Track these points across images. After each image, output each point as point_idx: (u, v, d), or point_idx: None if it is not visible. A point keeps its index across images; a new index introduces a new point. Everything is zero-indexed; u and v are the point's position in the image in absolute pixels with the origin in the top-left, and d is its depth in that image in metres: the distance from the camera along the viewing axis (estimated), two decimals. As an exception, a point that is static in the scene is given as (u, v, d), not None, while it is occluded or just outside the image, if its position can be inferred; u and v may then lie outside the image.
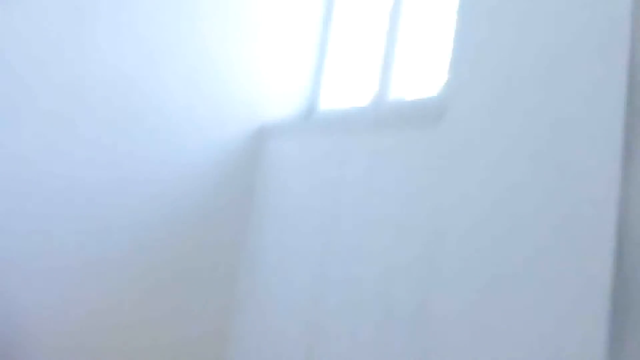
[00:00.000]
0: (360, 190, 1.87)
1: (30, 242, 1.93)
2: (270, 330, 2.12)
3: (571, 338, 1.04)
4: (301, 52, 2.52)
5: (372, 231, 1.78)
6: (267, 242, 2.23)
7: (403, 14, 2.22)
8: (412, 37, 2.19)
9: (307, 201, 2.09)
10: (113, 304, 2.00)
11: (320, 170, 2.08)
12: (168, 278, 2.09)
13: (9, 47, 1.98)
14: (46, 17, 2.03)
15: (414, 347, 1.52)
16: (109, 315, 1.99)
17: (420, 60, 2.13)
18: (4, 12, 1.98)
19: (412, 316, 1.56)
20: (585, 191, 1.09)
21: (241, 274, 2.28)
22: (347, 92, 2.47)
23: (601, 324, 0.97)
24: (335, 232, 1.95)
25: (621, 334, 0.96)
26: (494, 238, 1.30)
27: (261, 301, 2.20)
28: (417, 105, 1.72)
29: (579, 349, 1.01)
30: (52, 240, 1.95)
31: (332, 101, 2.50)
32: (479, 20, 1.64)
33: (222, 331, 2.17)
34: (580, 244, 1.06)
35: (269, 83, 2.40)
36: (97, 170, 2.02)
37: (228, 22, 2.32)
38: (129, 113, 2.08)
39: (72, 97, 2.03)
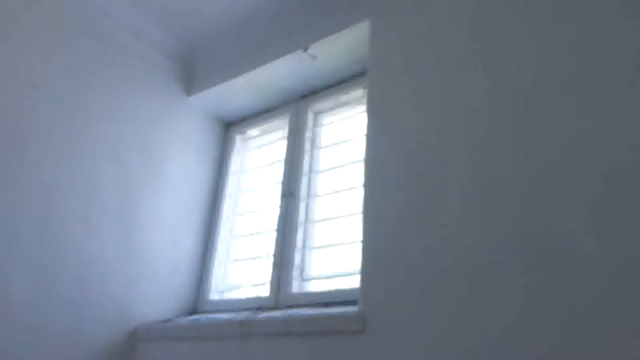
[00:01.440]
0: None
1: None
2: None
3: None
4: (182, 249, 2.31)
5: None
6: None
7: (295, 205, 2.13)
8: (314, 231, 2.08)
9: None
10: None
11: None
12: None
13: None
14: None
15: None
16: None
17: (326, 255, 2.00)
18: None
19: None
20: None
21: None
22: (241, 287, 2.25)
23: None
24: None
25: None
26: None
27: None
28: (337, 317, 1.53)
29: None
30: None
31: (221, 300, 2.25)
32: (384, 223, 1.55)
33: None
34: None
35: (145, 281, 2.13)
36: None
37: (113, 230, 2.07)
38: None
39: None
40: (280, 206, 2.17)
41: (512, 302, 1.22)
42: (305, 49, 2.12)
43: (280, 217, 2.15)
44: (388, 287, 1.44)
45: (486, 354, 1.21)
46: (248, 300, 2.10)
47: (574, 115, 1.30)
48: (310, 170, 2.20)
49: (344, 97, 2.24)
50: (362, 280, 1.52)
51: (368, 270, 1.52)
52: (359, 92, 2.18)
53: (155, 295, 2.14)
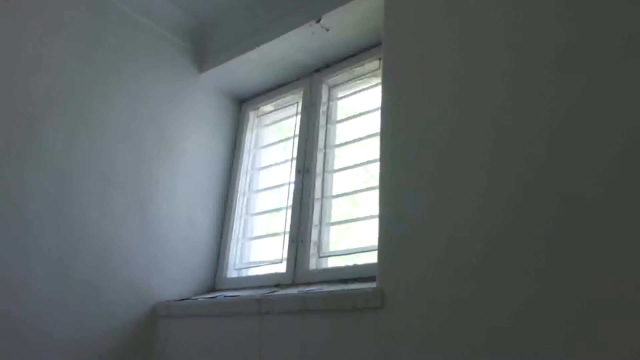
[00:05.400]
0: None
1: None
2: None
3: None
4: (198, 227, 2.30)
5: None
6: None
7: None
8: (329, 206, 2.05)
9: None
10: None
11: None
12: None
13: None
14: None
15: None
16: None
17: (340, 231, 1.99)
18: None
19: None
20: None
21: None
22: (258, 264, 2.23)
23: None
24: None
25: None
26: None
27: None
28: (355, 294, 1.48)
29: None
30: None
31: (240, 275, 2.26)
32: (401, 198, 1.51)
33: None
34: None
35: (163, 260, 2.13)
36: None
37: (129, 210, 2.07)
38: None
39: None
40: (296, 182, 2.15)
41: (536, 276, 1.18)
42: (318, 20, 2.06)
43: (295, 193, 2.12)
44: (407, 262, 1.41)
45: (508, 329, 1.18)
46: (266, 277, 2.09)
47: (590, 81, 1.23)
48: (326, 145, 2.16)
49: (358, 70, 2.18)
50: (380, 256, 1.49)
51: (386, 245, 1.49)
52: (374, 64, 2.12)
53: (174, 273, 2.15)
